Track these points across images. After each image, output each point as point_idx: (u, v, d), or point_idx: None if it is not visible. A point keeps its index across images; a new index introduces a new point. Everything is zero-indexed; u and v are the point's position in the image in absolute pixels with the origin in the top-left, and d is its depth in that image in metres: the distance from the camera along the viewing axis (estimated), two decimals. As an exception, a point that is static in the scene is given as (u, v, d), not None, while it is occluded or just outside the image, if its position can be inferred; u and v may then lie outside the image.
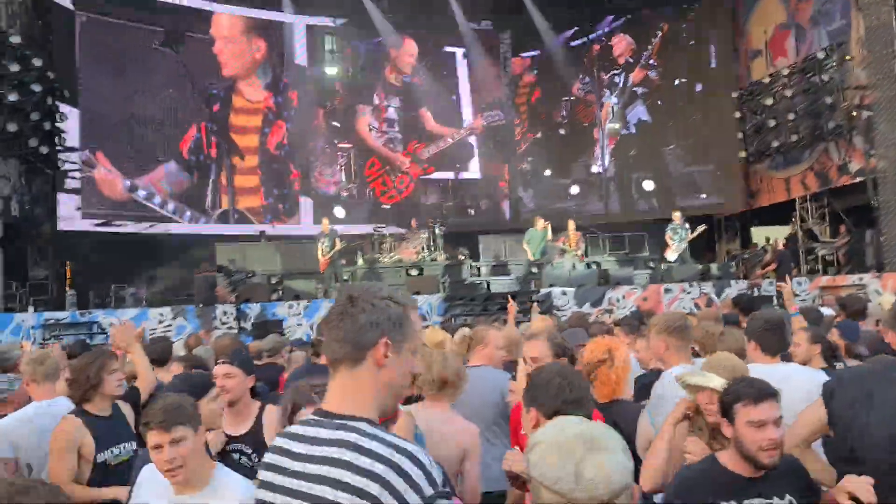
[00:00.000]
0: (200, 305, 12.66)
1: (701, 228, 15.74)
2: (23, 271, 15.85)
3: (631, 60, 22.11)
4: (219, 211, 19.98)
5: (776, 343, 3.55)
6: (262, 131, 20.83)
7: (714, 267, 15.87)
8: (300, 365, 5.92)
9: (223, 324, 12.86)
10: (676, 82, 21.59)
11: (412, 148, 22.41)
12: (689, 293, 14.14)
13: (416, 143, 22.45)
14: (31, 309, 13.52)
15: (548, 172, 22.66)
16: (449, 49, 22.89)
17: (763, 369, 3.18)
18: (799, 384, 3.14)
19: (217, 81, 20.21)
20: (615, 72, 22.33)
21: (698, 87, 21.23)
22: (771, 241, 17.52)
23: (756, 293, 13.83)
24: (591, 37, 22.38)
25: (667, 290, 14.33)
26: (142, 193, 18.72)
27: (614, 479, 1.38)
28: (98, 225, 17.69)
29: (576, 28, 22.35)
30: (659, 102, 21.84)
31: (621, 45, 22.13)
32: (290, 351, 7.02)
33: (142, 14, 18.97)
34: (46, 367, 3.82)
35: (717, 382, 2.70)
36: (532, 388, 2.58)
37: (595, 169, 22.36)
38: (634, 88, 22.03)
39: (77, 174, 17.44)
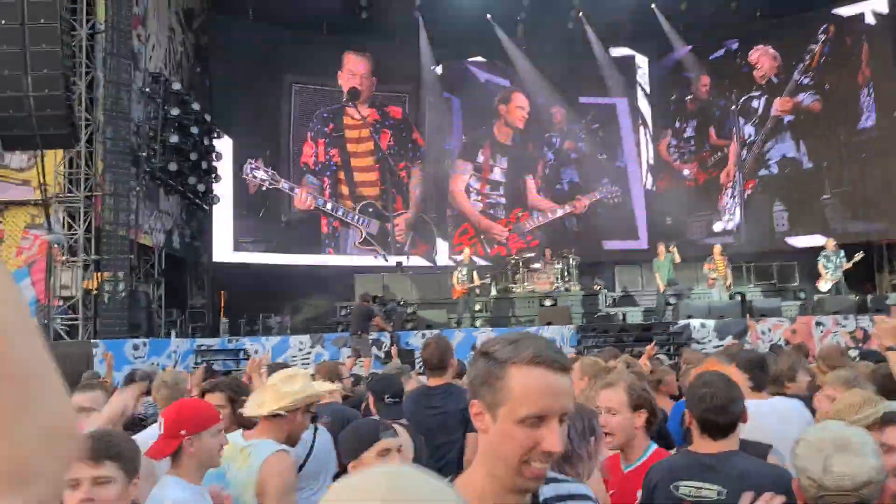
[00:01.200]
0: (359, 334, 12.89)
1: (858, 256, 14.66)
2: (182, 300, 17.11)
3: (775, 80, 20.60)
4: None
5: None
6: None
7: (870, 299, 14.71)
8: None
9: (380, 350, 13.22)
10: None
11: (514, 217, 21.30)
12: (843, 326, 13.17)
13: (518, 212, 21.33)
14: (177, 332, 14.54)
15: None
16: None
17: None
18: None
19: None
20: (753, 94, 20.88)
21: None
22: None
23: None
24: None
25: (818, 324, 13.40)
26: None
27: (859, 475, 1.74)
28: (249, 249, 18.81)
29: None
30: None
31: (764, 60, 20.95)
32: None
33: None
34: (172, 390, 4.04)
35: None
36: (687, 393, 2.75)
37: (720, 227, 20.64)
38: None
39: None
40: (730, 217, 20.75)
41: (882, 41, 18.80)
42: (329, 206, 20.02)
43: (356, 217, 20.24)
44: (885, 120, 18.53)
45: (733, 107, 21.04)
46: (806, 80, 20.11)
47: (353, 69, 20.66)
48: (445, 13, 19.81)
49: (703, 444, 2.47)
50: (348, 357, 11.83)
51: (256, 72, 18.99)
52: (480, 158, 21.55)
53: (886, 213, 18.68)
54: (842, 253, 14.88)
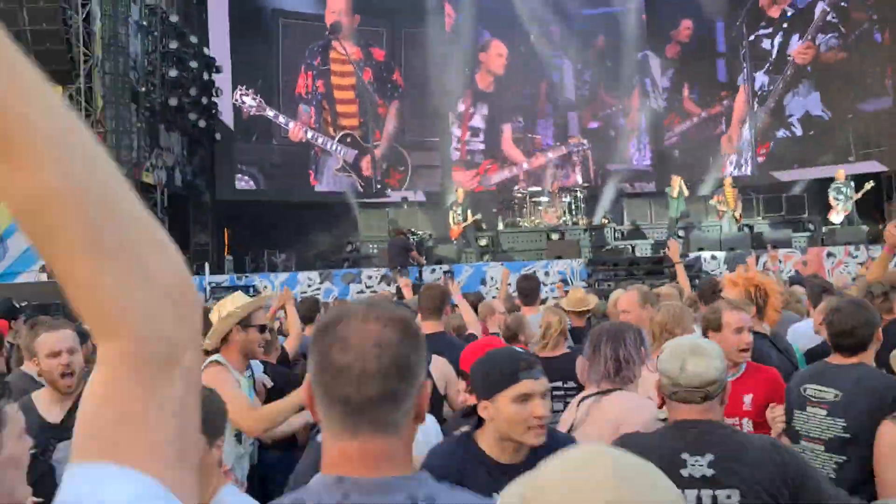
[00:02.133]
0: (398, 268, 12.80)
1: (868, 186, 14.51)
2: (186, 238, 16.98)
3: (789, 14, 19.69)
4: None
5: None
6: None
7: (881, 228, 14.61)
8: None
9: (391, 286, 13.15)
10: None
11: (483, 169, 21.16)
12: (855, 257, 13.11)
13: (487, 164, 21.19)
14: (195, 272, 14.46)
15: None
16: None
17: None
18: None
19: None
20: (763, 32, 20.18)
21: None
22: None
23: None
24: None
25: (829, 255, 13.35)
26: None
27: (707, 374, 2.09)
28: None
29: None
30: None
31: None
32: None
33: None
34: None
35: None
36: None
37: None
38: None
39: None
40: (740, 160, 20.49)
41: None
42: (310, 134, 19.71)
43: (335, 146, 19.92)
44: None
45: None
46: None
47: (334, 6, 20.09)
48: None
49: (835, 358, 2.95)
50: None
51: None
52: (461, 107, 21.19)
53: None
54: (852, 183, 14.73)
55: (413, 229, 15.56)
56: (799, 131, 19.52)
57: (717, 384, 2.09)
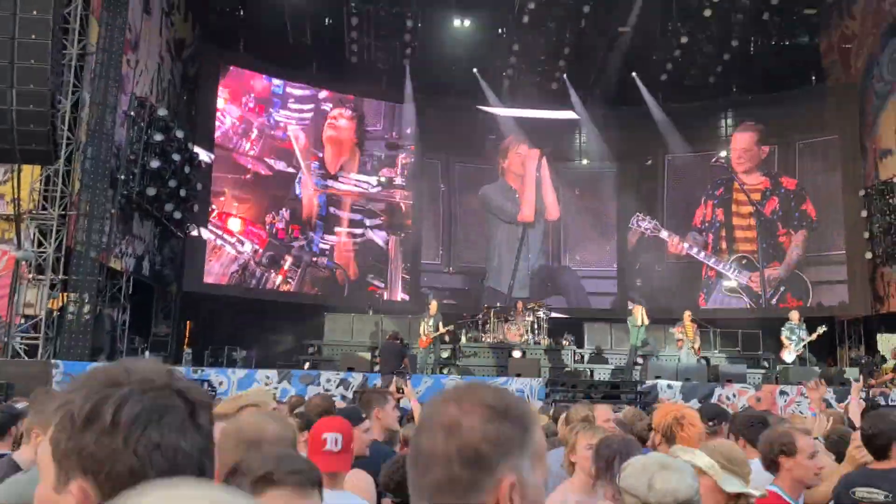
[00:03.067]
0: (394, 372, 12.70)
1: (820, 330, 14.95)
2: (147, 327, 16.82)
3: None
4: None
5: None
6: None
7: (834, 371, 14.96)
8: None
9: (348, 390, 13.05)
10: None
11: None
12: (806, 397, 13.32)
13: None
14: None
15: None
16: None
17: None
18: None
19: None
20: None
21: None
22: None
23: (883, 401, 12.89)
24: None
25: (782, 393, 13.57)
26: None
27: (680, 491, 1.83)
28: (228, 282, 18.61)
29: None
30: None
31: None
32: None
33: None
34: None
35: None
36: None
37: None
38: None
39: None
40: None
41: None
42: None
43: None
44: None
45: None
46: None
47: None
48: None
49: (874, 464, 3.29)
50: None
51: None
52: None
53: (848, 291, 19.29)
54: (804, 326, 15.18)
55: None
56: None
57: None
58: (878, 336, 19.08)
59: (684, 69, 20.64)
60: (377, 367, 13.88)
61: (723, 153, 21.78)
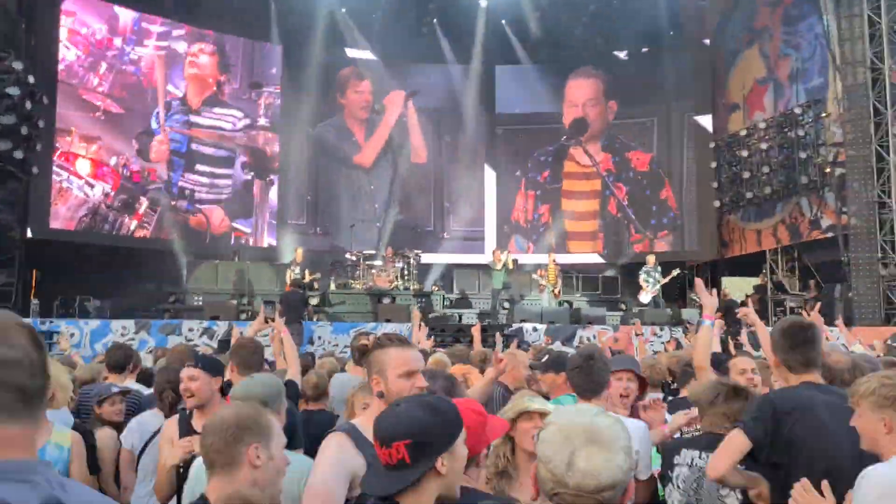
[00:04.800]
0: (296, 322, 12.20)
1: (675, 272, 15.86)
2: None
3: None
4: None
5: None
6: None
7: (685, 312, 15.96)
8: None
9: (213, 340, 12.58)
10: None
11: None
12: (659, 336, 14.17)
13: None
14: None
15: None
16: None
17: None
18: None
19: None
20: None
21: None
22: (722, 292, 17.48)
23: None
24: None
25: (637, 334, 14.31)
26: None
27: (603, 474, 1.50)
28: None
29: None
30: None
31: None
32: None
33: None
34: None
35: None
36: None
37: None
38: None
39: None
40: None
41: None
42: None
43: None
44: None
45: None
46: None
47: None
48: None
49: None
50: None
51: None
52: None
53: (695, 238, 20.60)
54: (659, 268, 16.06)
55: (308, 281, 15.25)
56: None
57: (616, 489, 1.53)
58: (723, 279, 20.51)
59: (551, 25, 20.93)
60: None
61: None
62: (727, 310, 14.69)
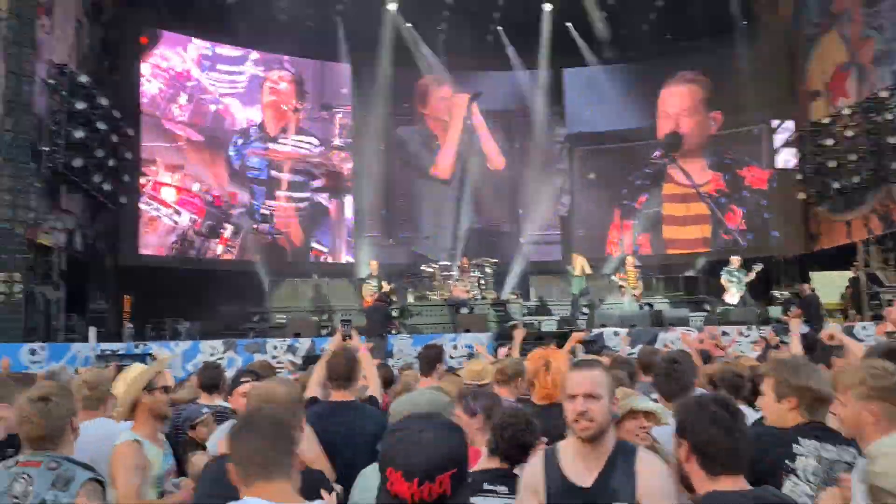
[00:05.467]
0: (380, 336, 12.51)
1: (758, 268, 15.31)
2: (83, 303, 16.27)
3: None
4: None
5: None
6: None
7: (771, 310, 15.39)
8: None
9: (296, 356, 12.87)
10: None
11: None
12: (746, 336, 13.71)
13: None
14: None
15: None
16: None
17: None
18: None
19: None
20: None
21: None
22: (798, 287, 16.64)
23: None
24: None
25: (724, 334, 13.90)
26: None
27: None
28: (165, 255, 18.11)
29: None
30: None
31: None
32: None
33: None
34: (94, 391, 3.76)
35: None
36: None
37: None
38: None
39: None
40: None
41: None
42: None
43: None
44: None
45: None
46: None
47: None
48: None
49: None
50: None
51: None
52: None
53: (781, 232, 19.85)
54: (743, 269, 15.53)
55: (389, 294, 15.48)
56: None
57: None
58: (812, 274, 19.68)
59: (618, 18, 20.60)
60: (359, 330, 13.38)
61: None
62: (807, 305, 14.05)
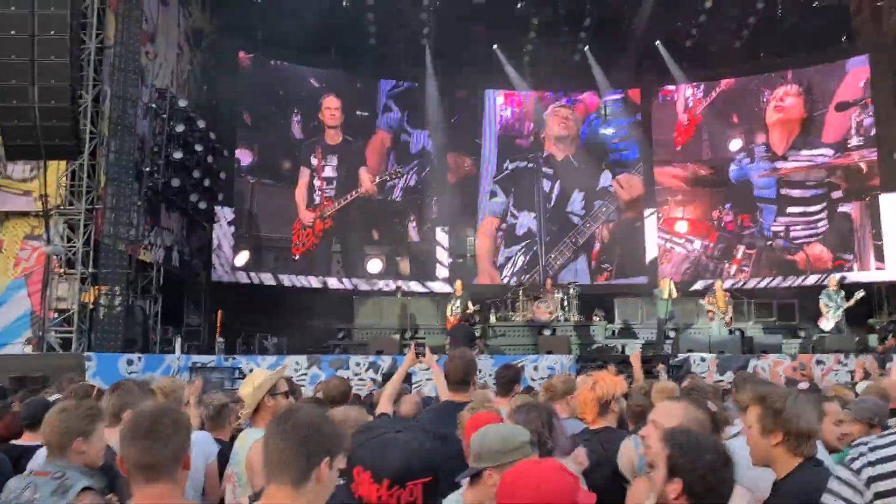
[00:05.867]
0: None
1: (859, 295, 14.60)
2: (179, 318, 16.96)
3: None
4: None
5: None
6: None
7: (871, 338, 14.62)
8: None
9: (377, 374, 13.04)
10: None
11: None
12: (844, 365, 13.05)
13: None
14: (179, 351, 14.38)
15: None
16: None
17: None
18: None
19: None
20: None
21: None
22: None
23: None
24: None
25: (818, 362, 13.28)
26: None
27: None
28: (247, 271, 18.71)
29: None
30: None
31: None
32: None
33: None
34: (169, 398, 3.98)
35: None
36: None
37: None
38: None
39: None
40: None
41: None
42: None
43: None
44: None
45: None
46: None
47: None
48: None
49: None
50: None
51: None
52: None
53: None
54: (842, 292, 14.83)
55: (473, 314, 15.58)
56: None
57: None
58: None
59: (710, 35, 20.12)
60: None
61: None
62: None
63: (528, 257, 21.57)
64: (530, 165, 22.00)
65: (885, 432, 2.30)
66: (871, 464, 2.08)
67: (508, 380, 5.45)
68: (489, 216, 21.86)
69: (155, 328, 15.31)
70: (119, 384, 3.82)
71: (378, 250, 20.76)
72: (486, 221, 21.84)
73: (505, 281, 20.30)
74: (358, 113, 21.13)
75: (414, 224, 21.43)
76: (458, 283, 16.30)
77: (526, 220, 21.81)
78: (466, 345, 12.70)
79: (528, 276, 20.44)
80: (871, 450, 2.12)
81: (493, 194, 21.92)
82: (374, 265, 20.47)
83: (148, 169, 14.49)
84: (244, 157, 19.26)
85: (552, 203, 21.82)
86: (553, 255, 21.47)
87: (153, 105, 14.82)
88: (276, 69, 20.15)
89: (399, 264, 20.78)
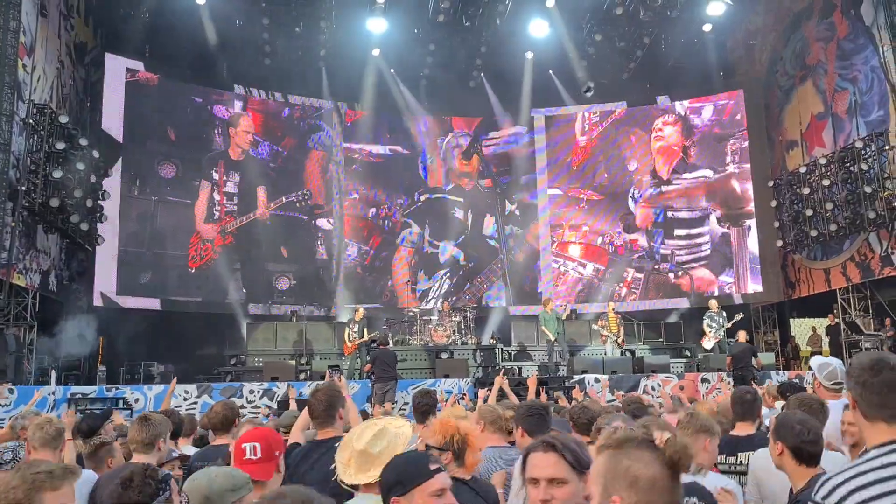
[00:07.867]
0: (392, 379, 12.39)
1: (738, 316, 15.37)
2: (57, 346, 15.93)
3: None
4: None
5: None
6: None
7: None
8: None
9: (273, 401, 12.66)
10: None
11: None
12: (727, 382, 13.67)
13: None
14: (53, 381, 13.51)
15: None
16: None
17: None
18: None
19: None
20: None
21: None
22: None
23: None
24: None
25: (703, 380, 13.87)
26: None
27: None
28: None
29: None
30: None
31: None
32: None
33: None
34: (45, 433, 3.67)
35: None
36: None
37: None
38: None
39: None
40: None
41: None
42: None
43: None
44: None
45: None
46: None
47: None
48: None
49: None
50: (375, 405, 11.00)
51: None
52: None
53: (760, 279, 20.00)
54: (724, 313, 15.58)
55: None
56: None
57: None
58: (792, 321, 19.79)
59: (599, 68, 20.94)
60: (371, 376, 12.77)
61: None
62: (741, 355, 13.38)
63: (452, 282, 21.78)
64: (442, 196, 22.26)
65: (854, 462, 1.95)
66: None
67: (427, 408, 5.30)
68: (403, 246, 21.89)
69: (30, 357, 14.35)
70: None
71: (284, 268, 20.25)
72: (401, 251, 21.84)
73: (427, 306, 20.04)
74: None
75: (322, 245, 21.09)
76: (360, 309, 16.09)
77: (448, 248, 21.94)
78: (392, 368, 12.47)
79: (454, 298, 20.47)
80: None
81: (406, 225, 21.98)
82: (281, 285, 19.96)
83: (24, 188, 13.62)
84: (129, 174, 18.38)
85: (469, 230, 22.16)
86: (480, 279, 21.76)
87: (31, 121, 13.97)
88: (164, 86, 19.43)
89: (302, 286, 20.32)
